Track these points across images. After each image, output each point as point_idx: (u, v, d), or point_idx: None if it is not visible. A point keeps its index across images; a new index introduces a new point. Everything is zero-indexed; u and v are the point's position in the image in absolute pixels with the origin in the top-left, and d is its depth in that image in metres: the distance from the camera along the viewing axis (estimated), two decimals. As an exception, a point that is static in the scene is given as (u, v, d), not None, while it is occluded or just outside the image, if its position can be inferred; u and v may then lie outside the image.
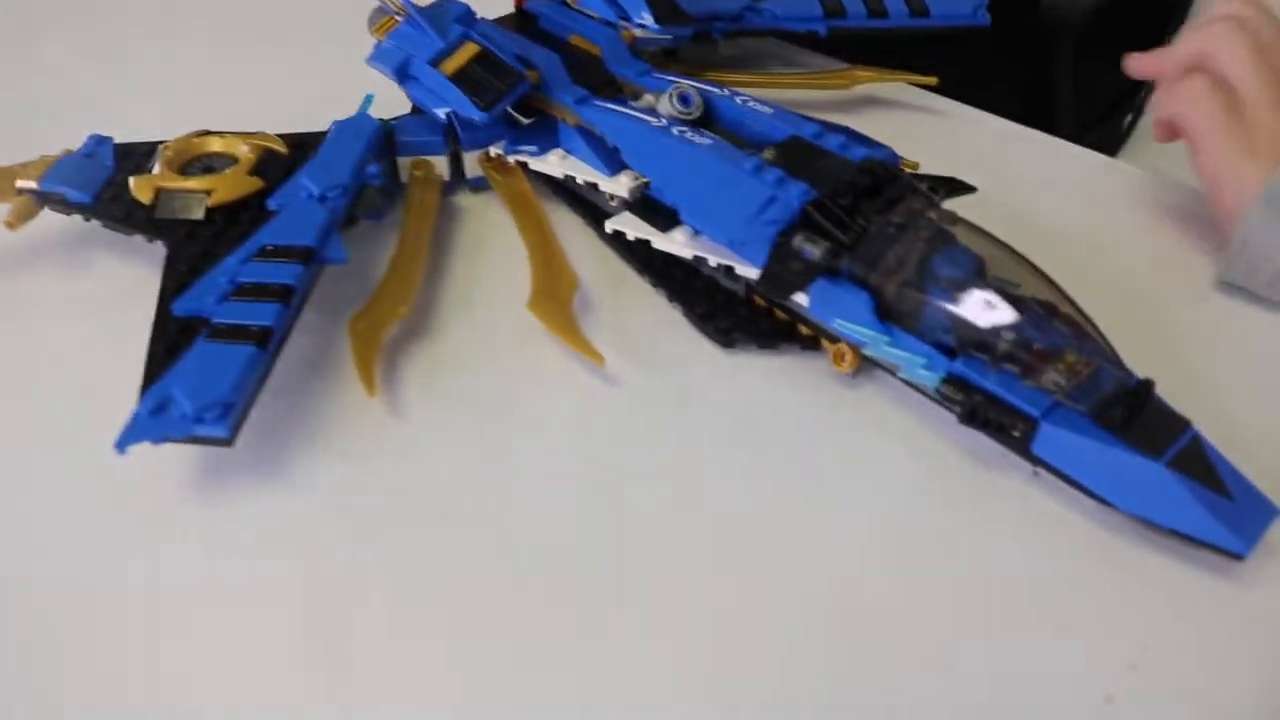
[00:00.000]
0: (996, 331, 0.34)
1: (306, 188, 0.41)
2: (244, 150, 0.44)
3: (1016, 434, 0.34)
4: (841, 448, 0.37)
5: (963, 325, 0.35)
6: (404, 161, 0.46)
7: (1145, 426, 0.33)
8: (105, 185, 0.43)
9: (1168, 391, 0.35)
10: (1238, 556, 0.32)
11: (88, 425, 0.34)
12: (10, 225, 0.42)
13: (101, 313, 0.42)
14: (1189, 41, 0.44)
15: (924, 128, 0.53)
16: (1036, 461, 0.34)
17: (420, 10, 0.44)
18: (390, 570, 0.33)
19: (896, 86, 0.54)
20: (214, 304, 0.37)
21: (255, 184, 0.42)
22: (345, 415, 0.38)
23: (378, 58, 0.45)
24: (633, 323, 0.41)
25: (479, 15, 0.48)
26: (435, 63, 0.43)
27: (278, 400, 0.38)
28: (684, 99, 0.42)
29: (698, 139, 0.40)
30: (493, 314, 0.42)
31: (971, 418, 0.34)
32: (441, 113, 0.44)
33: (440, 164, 0.47)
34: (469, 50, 0.44)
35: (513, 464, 0.37)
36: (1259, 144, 0.42)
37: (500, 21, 0.49)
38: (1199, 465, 0.32)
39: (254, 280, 0.37)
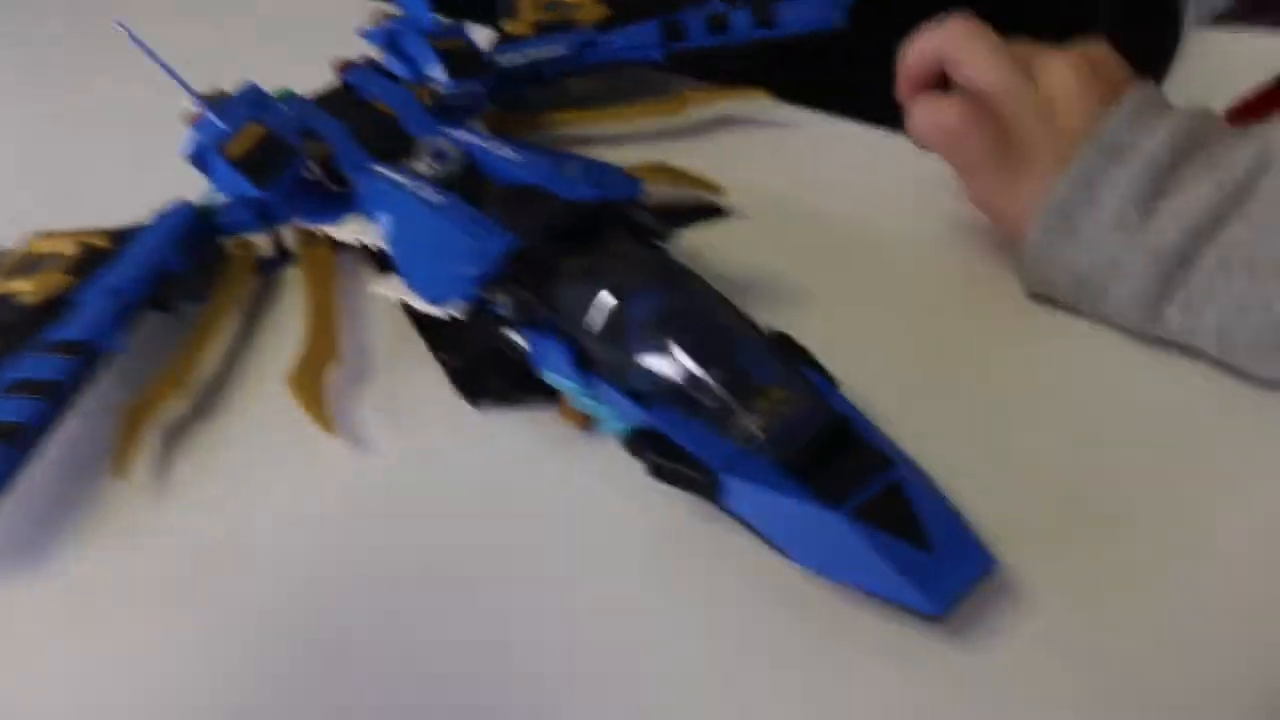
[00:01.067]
0: (686, 379, 0.33)
1: (105, 281, 0.44)
2: (68, 248, 0.47)
3: (705, 487, 0.32)
4: (564, 507, 0.36)
5: (650, 375, 0.33)
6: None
7: (840, 470, 0.30)
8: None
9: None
10: (934, 617, 0.29)
11: None
12: None
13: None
14: (923, 43, 0.41)
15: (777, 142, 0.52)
16: (733, 516, 0.32)
17: (210, 100, 0.46)
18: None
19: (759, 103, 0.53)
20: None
21: (67, 281, 0.45)
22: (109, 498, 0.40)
23: (183, 148, 0.47)
24: (409, 386, 0.42)
25: (298, 93, 0.50)
26: (221, 148, 0.45)
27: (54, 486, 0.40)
28: (438, 155, 0.42)
29: (431, 196, 0.40)
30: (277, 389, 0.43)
31: (659, 473, 0.33)
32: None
33: (264, 242, 0.48)
34: (253, 132, 0.45)
35: (240, 543, 0.37)
36: (1026, 161, 0.39)
37: (324, 96, 0.51)
38: (893, 512, 0.30)
39: (23, 376, 0.40)
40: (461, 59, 0.48)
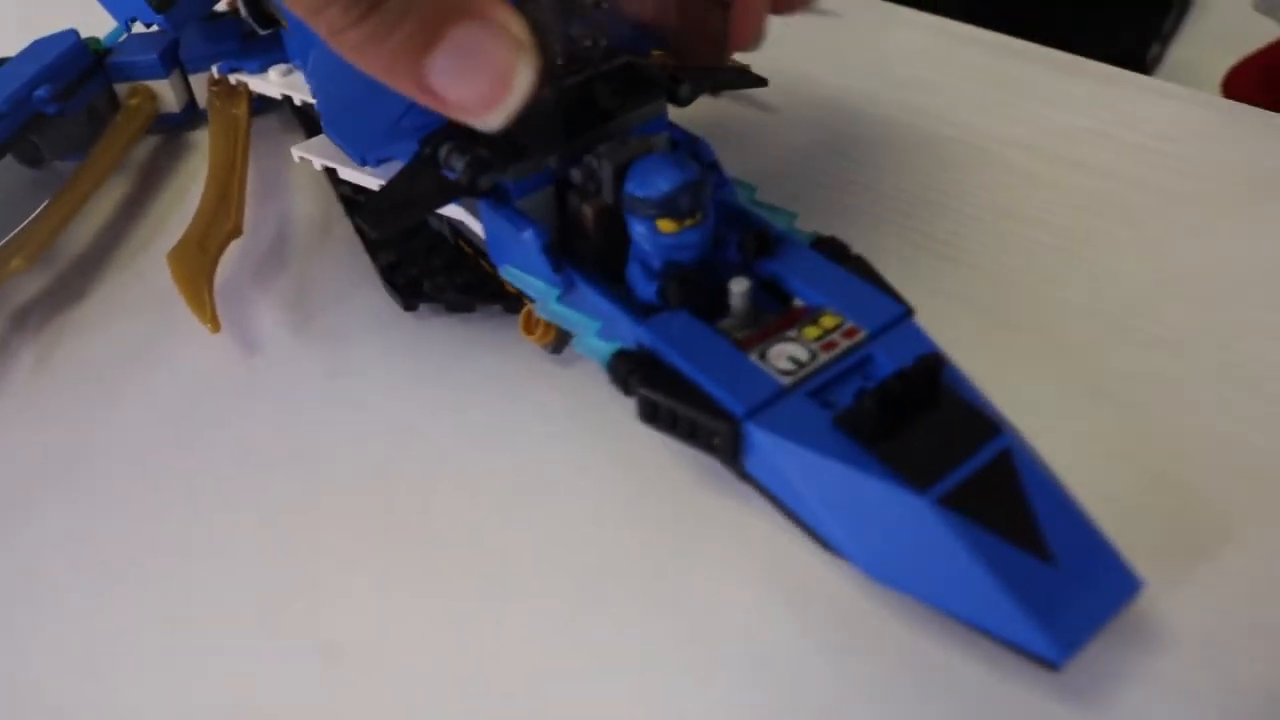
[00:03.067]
0: (710, 272, 0.24)
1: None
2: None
3: (716, 442, 0.23)
4: (522, 452, 0.27)
5: (663, 267, 0.24)
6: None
7: (925, 434, 0.21)
8: None
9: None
10: (1050, 665, 0.20)
11: None
12: None
13: None
14: None
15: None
16: (755, 485, 0.23)
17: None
18: None
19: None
20: None
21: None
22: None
23: None
24: (323, 279, 0.32)
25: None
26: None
27: None
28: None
29: None
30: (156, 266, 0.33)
31: (653, 416, 0.24)
32: (134, 24, 0.36)
33: (164, 90, 0.38)
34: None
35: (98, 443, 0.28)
36: None
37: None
38: (1001, 503, 0.20)
39: None
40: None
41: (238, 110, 0.37)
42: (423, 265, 0.30)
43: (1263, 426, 0.26)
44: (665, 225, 0.24)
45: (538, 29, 0.22)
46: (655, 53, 0.30)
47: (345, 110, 0.29)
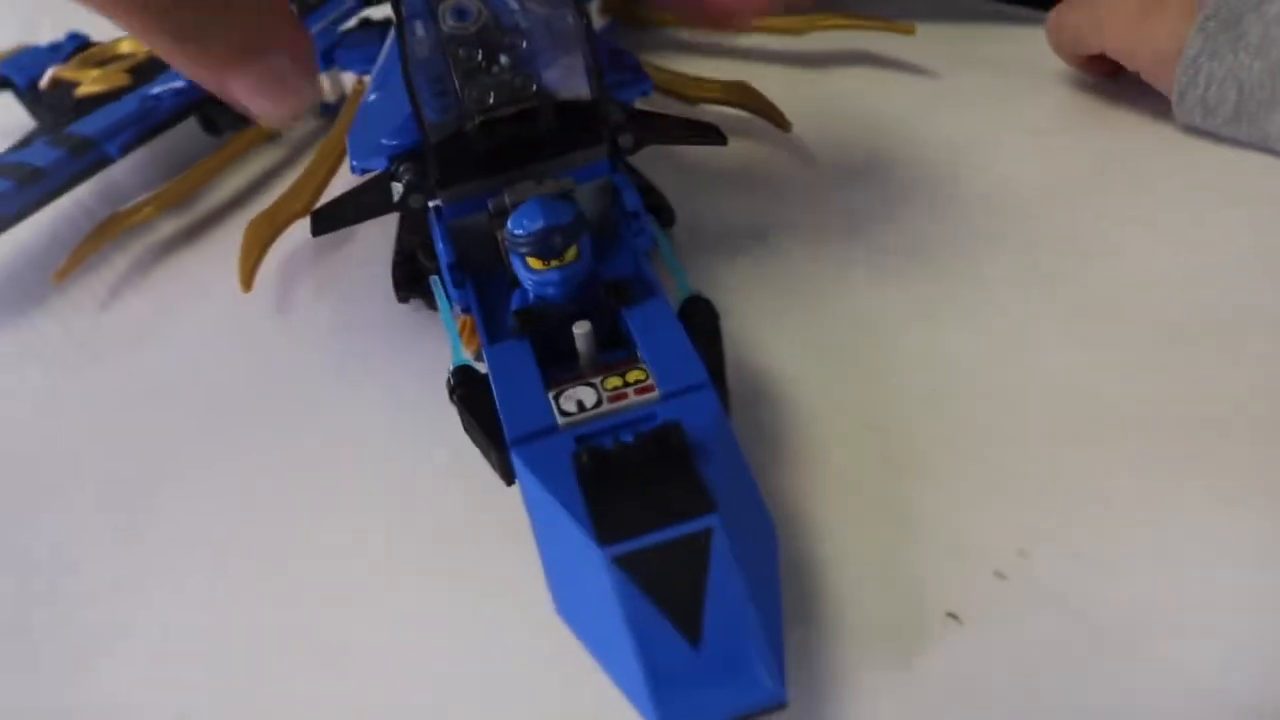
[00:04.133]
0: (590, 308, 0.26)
1: (150, 87, 0.43)
2: (142, 50, 0.46)
3: (493, 462, 0.25)
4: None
5: (530, 300, 0.27)
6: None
7: (642, 495, 0.22)
8: (42, 73, 0.47)
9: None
10: None
11: None
12: (-33, 101, 0.49)
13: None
14: None
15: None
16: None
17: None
18: None
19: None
20: None
21: (122, 80, 0.44)
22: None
23: None
24: (368, 262, 0.37)
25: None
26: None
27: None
28: (459, 12, 0.36)
29: (418, 52, 0.34)
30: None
31: (465, 429, 0.26)
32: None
33: (322, 83, 0.45)
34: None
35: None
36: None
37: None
38: (675, 576, 0.21)
39: (20, 160, 0.39)
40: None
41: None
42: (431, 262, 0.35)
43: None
44: (534, 262, 0.27)
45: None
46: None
47: (357, 124, 0.33)
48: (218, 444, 0.31)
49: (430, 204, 0.30)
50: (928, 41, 0.43)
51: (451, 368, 0.27)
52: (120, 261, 0.40)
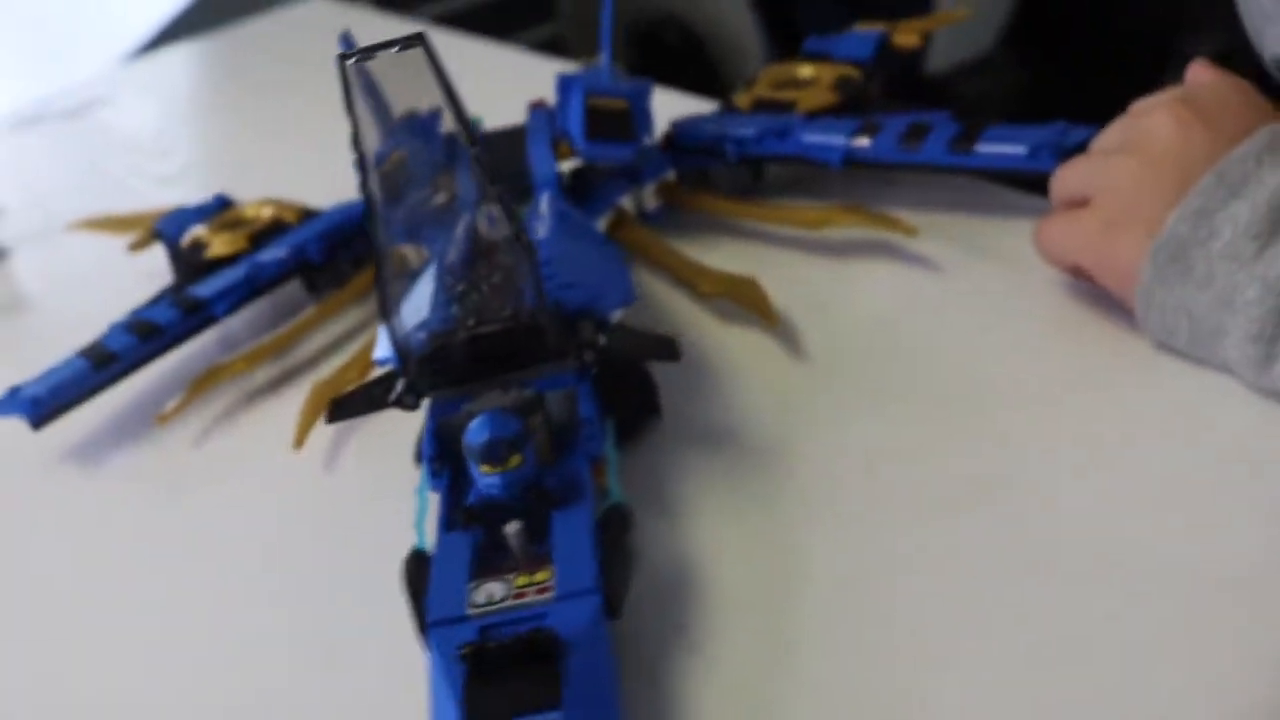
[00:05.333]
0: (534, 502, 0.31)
1: (259, 253, 0.51)
2: (267, 216, 0.54)
3: (420, 634, 0.30)
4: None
5: (478, 497, 0.32)
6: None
7: (503, 687, 0.27)
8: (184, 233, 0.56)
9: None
10: None
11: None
12: (132, 249, 0.58)
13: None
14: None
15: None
16: None
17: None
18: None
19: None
20: (121, 325, 0.48)
21: (242, 245, 0.52)
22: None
23: None
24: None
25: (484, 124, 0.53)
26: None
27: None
28: (491, 220, 0.42)
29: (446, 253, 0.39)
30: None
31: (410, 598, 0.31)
32: None
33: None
34: (397, 158, 0.49)
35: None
36: (1130, 218, 0.37)
37: (503, 132, 0.52)
38: None
39: (144, 316, 0.47)
40: (608, 121, 0.47)
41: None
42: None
43: None
44: (482, 467, 0.32)
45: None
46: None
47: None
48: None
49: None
50: (939, 233, 0.46)
51: (411, 549, 0.32)
52: (218, 404, 0.47)
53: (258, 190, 0.57)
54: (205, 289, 0.49)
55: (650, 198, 0.51)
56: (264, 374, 0.49)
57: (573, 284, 0.37)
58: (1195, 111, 0.37)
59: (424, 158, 0.37)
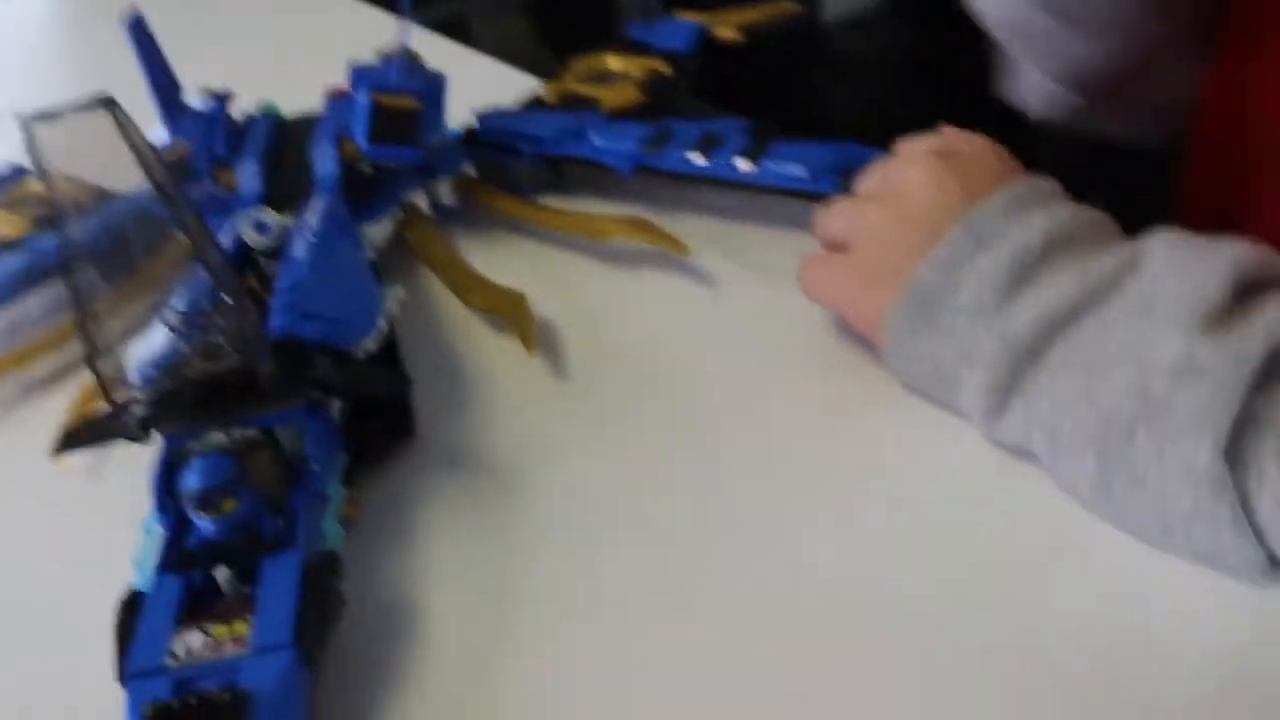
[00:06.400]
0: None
1: (41, 242, 0.49)
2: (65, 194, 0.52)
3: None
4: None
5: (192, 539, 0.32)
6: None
7: None
8: None
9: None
10: None
11: None
12: None
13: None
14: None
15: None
16: None
17: (170, 104, 0.49)
18: None
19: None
20: None
21: (26, 228, 0.50)
22: None
23: None
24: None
25: (281, 111, 0.52)
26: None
27: None
28: (259, 226, 0.42)
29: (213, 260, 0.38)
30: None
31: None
32: None
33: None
34: (177, 150, 0.48)
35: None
36: (881, 266, 0.38)
37: (301, 119, 0.51)
38: None
39: None
40: (396, 120, 0.47)
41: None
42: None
43: None
44: (198, 511, 0.32)
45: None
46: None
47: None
48: None
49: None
50: (722, 245, 0.47)
51: (129, 589, 0.32)
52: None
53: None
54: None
55: (446, 193, 0.51)
56: (45, 366, 0.48)
57: (313, 315, 0.36)
58: (951, 167, 0.38)
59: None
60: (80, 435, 0.36)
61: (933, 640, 0.32)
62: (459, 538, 0.36)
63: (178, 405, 0.34)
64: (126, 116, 0.32)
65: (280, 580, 0.31)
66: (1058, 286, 0.34)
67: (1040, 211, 0.36)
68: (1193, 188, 0.50)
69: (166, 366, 0.34)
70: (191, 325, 0.35)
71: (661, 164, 0.47)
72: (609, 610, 0.34)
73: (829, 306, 0.41)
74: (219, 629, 0.30)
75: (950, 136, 0.40)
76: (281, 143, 0.50)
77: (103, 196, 0.40)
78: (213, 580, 0.31)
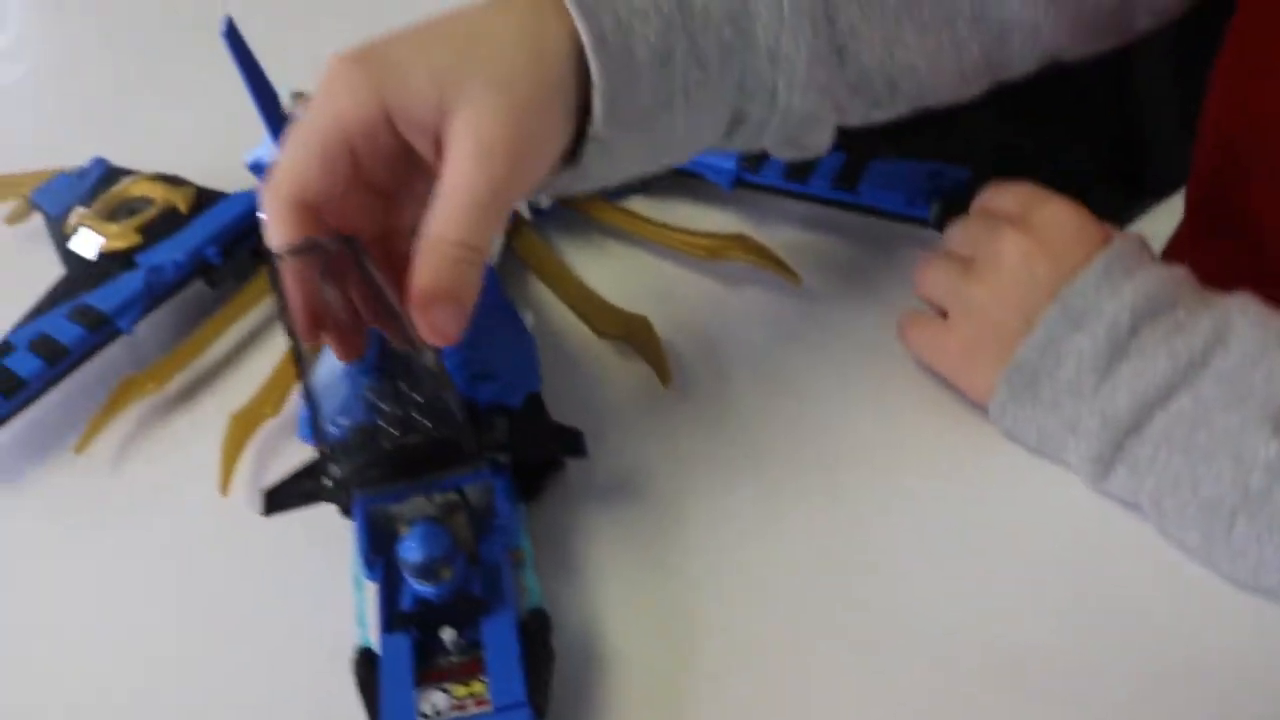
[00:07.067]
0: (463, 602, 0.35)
1: (156, 254, 0.51)
2: (156, 200, 0.53)
3: None
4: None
5: (412, 602, 0.36)
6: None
7: None
8: (69, 207, 0.55)
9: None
10: None
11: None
12: (8, 222, 0.57)
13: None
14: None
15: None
16: None
17: (275, 118, 0.50)
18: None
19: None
20: (24, 343, 0.48)
21: (135, 240, 0.52)
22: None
23: (245, 157, 0.51)
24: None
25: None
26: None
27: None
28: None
29: None
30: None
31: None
32: None
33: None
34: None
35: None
36: (983, 341, 0.41)
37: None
38: None
39: (45, 332, 0.48)
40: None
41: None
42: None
43: None
44: (417, 579, 0.36)
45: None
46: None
47: (312, 390, 0.41)
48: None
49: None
50: (821, 263, 0.50)
51: (356, 647, 0.36)
52: (130, 418, 0.49)
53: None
54: (106, 302, 0.49)
55: (544, 198, 0.53)
56: (174, 384, 0.50)
57: (485, 375, 0.39)
58: (1038, 242, 0.40)
59: None
60: (286, 497, 0.39)
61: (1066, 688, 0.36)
62: (624, 570, 0.41)
63: (377, 473, 0.37)
64: (366, 252, 0.34)
65: (501, 639, 0.35)
66: (1152, 365, 0.37)
67: (1128, 283, 0.39)
68: (1199, 179, 0.53)
69: (364, 435, 0.37)
70: (385, 397, 0.38)
71: (760, 180, 0.50)
72: (785, 638, 0.38)
73: (932, 367, 0.44)
74: (458, 689, 0.34)
75: (1031, 200, 0.42)
76: None
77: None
78: (428, 639, 0.36)
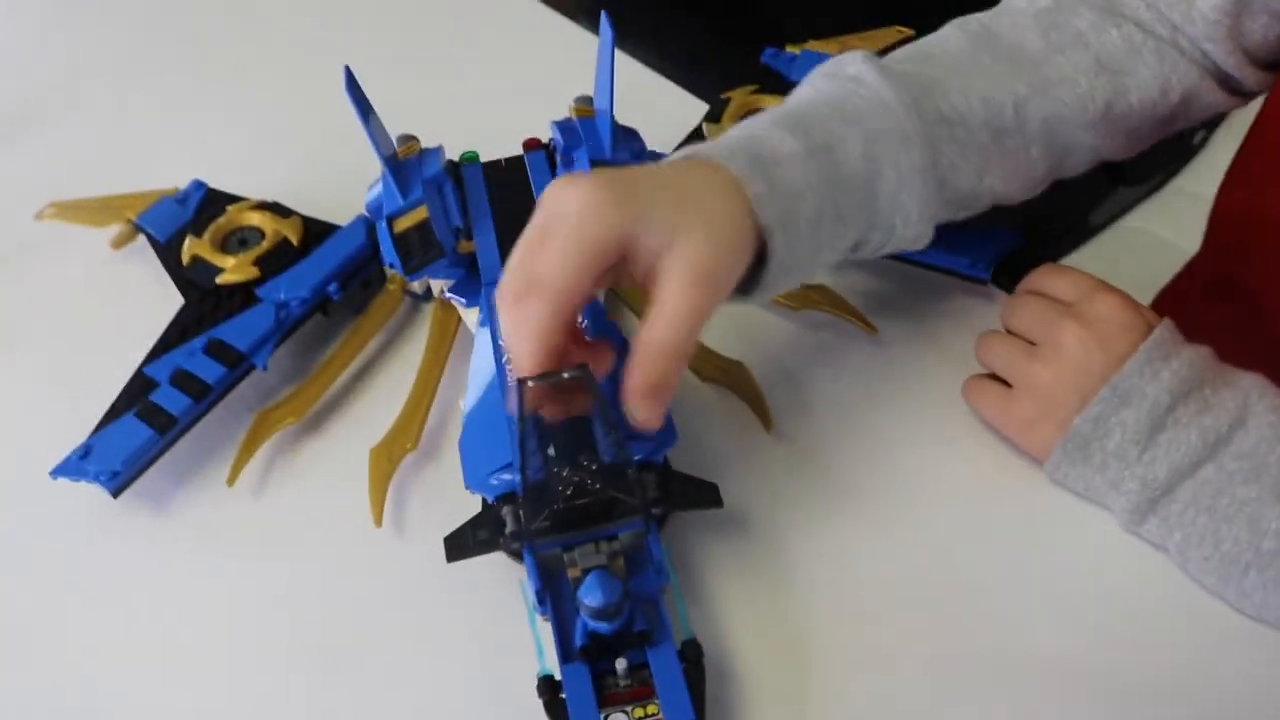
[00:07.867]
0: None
1: (277, 290, 0.54)
2: (266, 231, 0.57)
3: None
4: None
5: (587, 634, 0.42)
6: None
7: None
8: (177, 233, 0.58)
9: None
10: None
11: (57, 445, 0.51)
12: (114, 246, 0.59)
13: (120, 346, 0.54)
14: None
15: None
16: None
17: (394, 164, 0.53)
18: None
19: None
20: (165, 377, 0.51)
21: (253, 273, 0.55)
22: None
23: (367, 198, 0.55)
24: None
25: (481, 158, 0.56)
26: (390, 220, 0.53)
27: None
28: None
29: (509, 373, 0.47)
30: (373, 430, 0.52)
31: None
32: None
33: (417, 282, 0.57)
34: (416, 215, 0.52)
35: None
36: (1044, 412, 0.49)
37: (502, 165, 0.56)
38: None
39: (188, 369, 0.51)
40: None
41: (451, 318, 0.55)
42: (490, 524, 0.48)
43: None
44: (595, 619, 0.42)
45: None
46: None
47: (467, 436, 0.46)
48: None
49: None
50: (890, 314, 0.56)
51: (539, 674, 0.42)
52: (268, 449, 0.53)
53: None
54: (241, 339, 0.52)
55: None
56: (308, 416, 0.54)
57: (635, 435, 0.45)
58: (1094, 333, 0.48)
59: None
60: (465, 547, 0.45)
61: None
62: (741, 596, 0.47)
63: (549, 525, 0.43)
64: (593, 378, 0.40)
65: (666, 666, 0.42)
66: (1185, 439, 0.46)
67: (1165, 369, 0.47)
68: (1210, 252, 0.62)
69: (534, 481, 0.43)
70: (562, 461, 0.43)
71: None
72: (888, 651, 0.45)
73: (994, 426, 0.52)
74: (636, 710, 0.41)
75: (1087, 290, 0.50)
76: (491, 195, 0.55)
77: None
78: (600, 668, 0.42)
